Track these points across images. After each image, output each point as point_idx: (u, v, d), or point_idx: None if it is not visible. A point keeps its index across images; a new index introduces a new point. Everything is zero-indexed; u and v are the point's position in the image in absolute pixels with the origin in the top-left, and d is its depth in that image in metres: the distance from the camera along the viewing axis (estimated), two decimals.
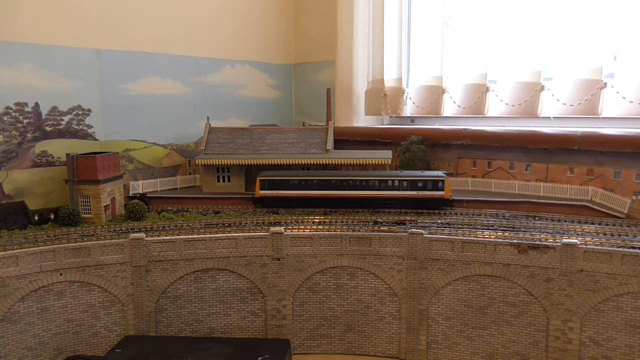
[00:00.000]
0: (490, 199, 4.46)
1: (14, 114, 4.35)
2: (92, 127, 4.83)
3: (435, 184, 4.34)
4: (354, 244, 3.76)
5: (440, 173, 4.45)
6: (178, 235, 3.81)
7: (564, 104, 4.55)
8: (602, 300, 3.34)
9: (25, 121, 4.42)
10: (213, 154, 4.95)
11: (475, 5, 5.15)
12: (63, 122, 4.64)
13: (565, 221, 3.98)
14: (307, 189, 4.48)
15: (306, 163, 4.86)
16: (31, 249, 3.47)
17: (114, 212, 4.44)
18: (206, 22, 5.65)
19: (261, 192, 4.51)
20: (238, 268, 3.78)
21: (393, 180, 4.41)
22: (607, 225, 3.85)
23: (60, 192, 4.49)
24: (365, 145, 5.51)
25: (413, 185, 4.37)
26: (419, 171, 4.69)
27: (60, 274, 3.55)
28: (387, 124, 6.14)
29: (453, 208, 4.36)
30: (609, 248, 3.32)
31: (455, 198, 4.41)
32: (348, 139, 5.71)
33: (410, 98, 5.63)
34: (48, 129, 4.56)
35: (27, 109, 4.43)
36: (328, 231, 3.84)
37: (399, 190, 4.38)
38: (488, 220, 4.02)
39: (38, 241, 3.65)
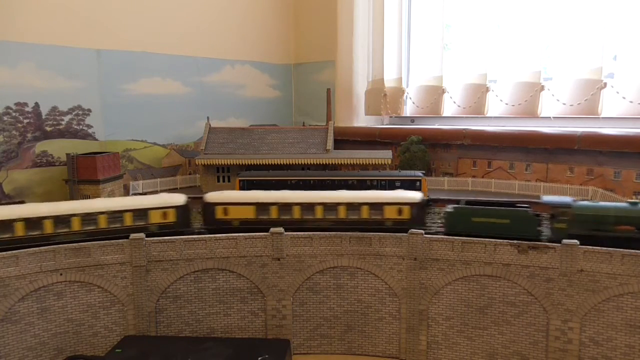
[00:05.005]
0: (491, 199, 4.46)
1: (14, 114, 4.36)
2: (92, 127, 4.84)
3: (413, 184, 4.36)
4: (354, 244, 3.76)
5: (417, 173, 4.47)
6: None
7: (564, 104, 4.55)
8: (602, 300, 3.34)
9: (25, 121, 4.42)
10: (213, 154, 4.95)
11: (475, 5, 5.15)
12: (63, 122, 4.65)
13: None
14: (288, 189, 4.48)
15: (306, 163, 4.86)
16: (31, 249, 3.46)
17: None
18: (206, 22, 5.65)
19: None
20: (238, 268, 3.78)
21: (371, 180, 4.43)
22: None
23: (60, 192, 4.50)
24: (365, 145, 5.51)
25: (391, 185, 4.39)
26: (397, 171, 4.71)
27: (60, 274, 3.54)
28: (387, 124, 6.14)
29: (431, 207, 4.37)
30: (609, 248, 3.32)
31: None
32: (348, 139, 5.71)
33: (410, 98, 5.63)
34: (48, 129, 4.56)
35: (27, 109, 4.43)
36: (328, 231, 3.84)
37: (377, 189, 4.38)
38: None
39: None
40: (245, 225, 3.83)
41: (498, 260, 3.52)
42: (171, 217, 3.81)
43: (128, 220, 3.73)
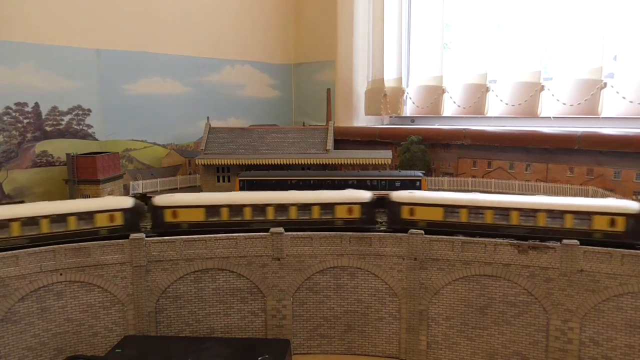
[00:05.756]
0: None
1: (14, 114, 4.36)
2: (92, 127, 4.84)
3: (413, 184, 4.37)
4: (354, 243, 3.76)
5: (417, 173, 4.47)
6: (178, 235, 3.82)
7: (564, 104, 4.55)
8: (602, 300, 3.34)
9: (25, 121, 4.42)
10: (213, 154, 4.95)
11: (475, 5, 5.15)
12: (63, 122, 4.65)
13: None
14: (287, 189, 4.48)
15: (306, 163, 4.86)
16: (31, 249, 3.46)
17: None
18: (206, 22, 5.65)
19: None
20: (238, 268, 3.78)
21: (371, 180, 4.44)
22: None
23: (60, 192, 4.50)
24: (365, 145, 5.51)
25: (391, 185, 4.39)
26: (397, 171, 4.72)
27: (60, 274, 3.54)
28: (387, 124, 6.14)
29: None
30: (609, 248, 3.32)
31: None
32: (348, 139, 5.71)
33: (410, 98, 5.64)
34: (48, 129, 4.56)
35: (27, 109, 4.43)
36: (328, 231, 3.84)
37: (377, 189, 4.38)
38: None
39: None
40: (432, 228, 3.70)
41: (498, 260, 3.52)
42: (356, 214, 3.84)
43: (316, 214, 3.84)
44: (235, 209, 3.83)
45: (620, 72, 4.32)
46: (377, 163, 4.87)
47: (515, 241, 3.49)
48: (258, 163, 4.83)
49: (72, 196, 4.36)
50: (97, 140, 4.87)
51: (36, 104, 4.47)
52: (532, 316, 3.52)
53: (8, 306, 3.41)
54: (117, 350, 3.39)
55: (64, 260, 3.54)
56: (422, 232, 3.67)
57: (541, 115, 4.72)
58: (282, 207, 3.84)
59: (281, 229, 3.77)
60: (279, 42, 6.43)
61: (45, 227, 3.52)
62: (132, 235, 3.66)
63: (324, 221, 3.85)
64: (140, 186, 5.00)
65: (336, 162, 4.89)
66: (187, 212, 3.82)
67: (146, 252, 3.67)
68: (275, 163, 4.81)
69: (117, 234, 3.67)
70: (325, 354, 3.91)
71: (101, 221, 3.67)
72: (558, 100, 4.59)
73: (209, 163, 4.89)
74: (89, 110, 4.81)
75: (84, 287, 3.63)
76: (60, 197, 4.48)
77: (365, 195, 3.87)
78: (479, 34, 5.12)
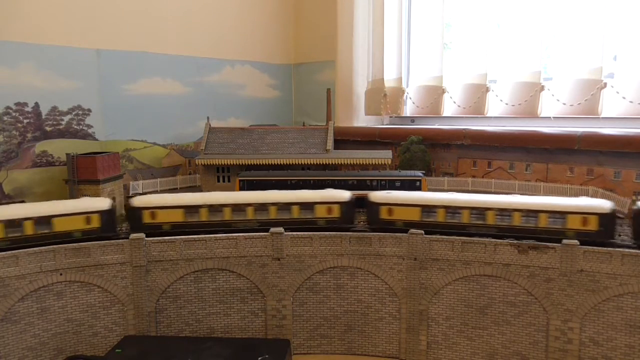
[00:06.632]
0: None
1: (14, 114, 4.36)
2: (92, 127, 4.84)
3: (413, 184, 4.36)
4: (353, 243, 3.76)
5: (417, 173, 4.47)
6: (178, 235, 3.81)
7: (564, 104, 4.55)
8: (602, 300, 3.34)
9: (25, 121, 4.42)
10: (213, 154, 4.95)
11: (475, 5, 5.15)
12: (63, 122, 4.65)
13: None
14: (287, 189, 4.47)
15: (306, 163, 4.86)
16: (31, 249, 3.46)
17: None
18: (206, 22, 5.65)
19: None
20: (238, 268, 3.78)
21: (371, 180, 4.43)
22: None
23: (60, 192, 4.49)
24: (365, 145, 5.51)
25: (391, 185, 4.39)
26: (397, 171, 4.72)
27: (60, 274, 3.55)
28: (387, 124, 6.14)
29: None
30: (609, 248, 3.32)
31: None
32: (348, 139, 5.71)
33: (410, 98, 5.63)
34: (48, 129, 4.56)
35: (27, 109, 4.43)
36: (328, 231, 3.84)
37: (377, 189, 4.38)
38: None
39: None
40: None
41: (498, 260, 3.52)
42: (592, 225, 3.43)
43: (543, 222, 3.53)
44: (452, 210, 3.70)
45: (620, 72, 4.32)
46: (377, 163, 4.87)
47: (515, 241, 3.49)
48: (258, 163, 4.83)
49: (72, 196, 4.35)
50: (97, 140, 4.87)
51: (36, 104, 4.47)
52: (532, 316, 3.52)
53: (8, 306, 3.41)
54: (117, 350, 3.39)
55: (64, 260, 3.54)
56: (422, 232, 3.66)
57: (541, 115, 4.72)
58: (503, 212, 3.59)
59: (281, 229, 3.77)
60: (279, 42, 6.43)
61: (273, 213, 3.90)
62: (132, 235, 3.66)
63: (553, 231, 3.48)
64: (140, 186, 5.00)
65: (336, 162, 4.89)
66: (401, 210, 3.79)
67: (146, 252, 3.67)
68: (275, 163, 4.81)
69: (334, 225, 3.87)
70: (325, 354, 3.91)
71: (320, 212, 3.90)
72: (558, 100, 4.59)
73: (209, 163, 4.89)
74: (89, 110, 4.81)
75: (84, 287, 3.63)
76: (60, 197, 4.47)
77: (605, 205, 3.40)
78: (479, 34, 5.11)
